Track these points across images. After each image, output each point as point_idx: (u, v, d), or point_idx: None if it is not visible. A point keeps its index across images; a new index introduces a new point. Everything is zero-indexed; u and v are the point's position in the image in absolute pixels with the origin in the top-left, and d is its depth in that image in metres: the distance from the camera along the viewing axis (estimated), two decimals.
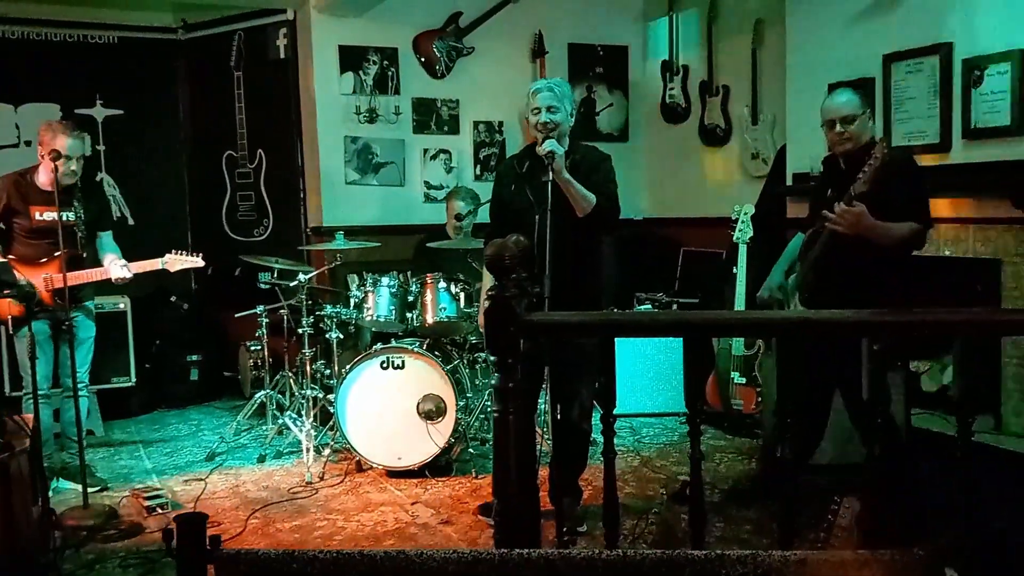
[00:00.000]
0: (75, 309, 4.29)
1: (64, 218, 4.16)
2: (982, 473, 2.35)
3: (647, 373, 5.65)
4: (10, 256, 4.18)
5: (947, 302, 4.34)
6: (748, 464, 4.66)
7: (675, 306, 6.04)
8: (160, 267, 4.36)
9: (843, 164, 3.65)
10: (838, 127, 3.58)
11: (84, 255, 4.24)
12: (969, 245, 4.43)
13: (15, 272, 4.08)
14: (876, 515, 2.14)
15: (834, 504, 2.10)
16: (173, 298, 6.42)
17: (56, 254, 4.11)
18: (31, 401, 4.18)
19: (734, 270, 5.31)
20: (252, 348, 5.99)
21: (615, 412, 5.80)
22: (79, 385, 4.35)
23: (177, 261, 4.38)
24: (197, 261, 4.43)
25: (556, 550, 1.86)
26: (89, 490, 3.98)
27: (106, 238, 4.42)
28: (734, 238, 5.27)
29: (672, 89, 6.61)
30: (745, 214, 5.24)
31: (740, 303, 5.26)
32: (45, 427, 4.23)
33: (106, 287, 4.53)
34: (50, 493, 3.78)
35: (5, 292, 3.57)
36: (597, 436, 5.15)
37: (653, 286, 6.30)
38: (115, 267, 4.25)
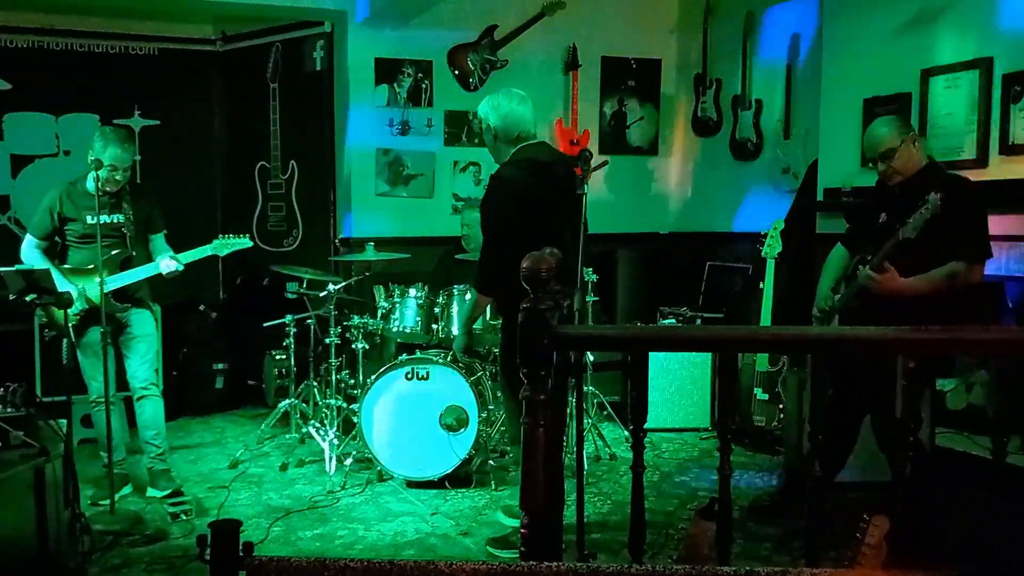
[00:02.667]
0: (132, 309, 4.33)
1: (113, 220, 4.24)
2: (1010, 495, 2.31)
3: (668, 387, 5.61)
4: (66, 266, 4.25)
5: (980, 321, 4.27)
6: (768, 481, 4.63)
7: (699, 321, 6.00)
8: (211, 252, 4.38)
9: (897, 189, 3.60)
10: (880, 165, 3.54)
11: (134, 254, 4.29)
12: (1003, 263, 4.36)
13: (68, 277, 4.18)
14: (907, 535, 2.10)
15: (862, 522, 2.07)
16: (201, 306, 6.47)
17: (112, 253, 4.18)
18: (96, 409, 4.27)
19: (761, 285, 5.28)
20: (277, 357, 6.02)
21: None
22: (144, 384, 4.36)
23: (226, 245, 4.41)
24: (245, 242, 4.46)
25: (584, 564, 1.85)
26: (157, 493, 4.33)
27: (158, 240, 4.45)
28: (763, 253, 5.23)
29: (704, 103, 6.60)
30: (775, 229, 5.20)
31: (766, 318, 5.22)
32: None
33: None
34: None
35: (44, 300, 3.60)
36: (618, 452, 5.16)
37: (677, 300, 6.27)
38: (164, 263, 4.27)
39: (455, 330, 4.69)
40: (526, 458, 2.25)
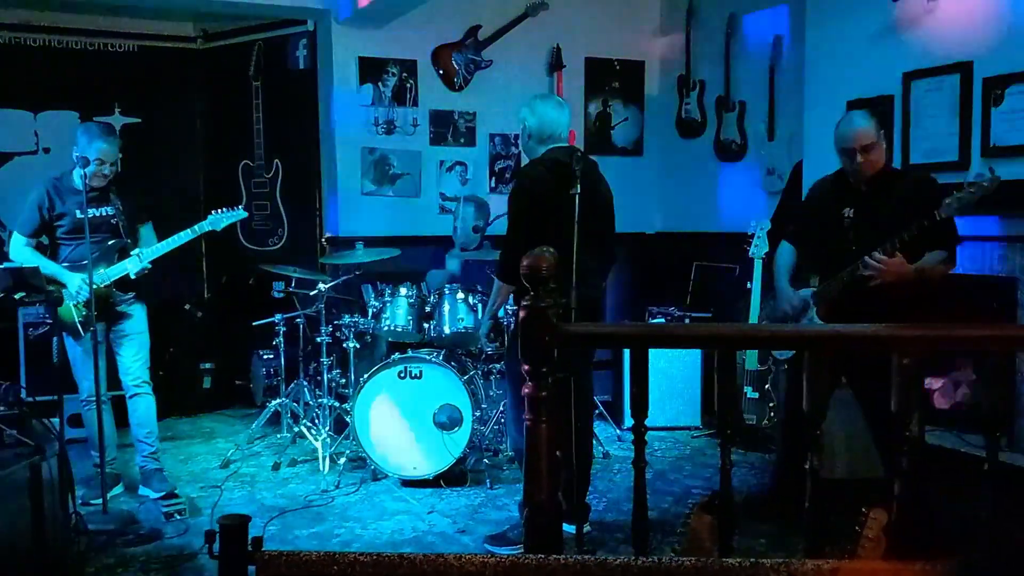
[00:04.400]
0: (132, 303, 4.33)
1: (102, 213, 4.22)
2: (995, 490, 2.37)
3: (660, 386, 5.66)
4: (64, 263, 4.22)
5: (962, 320, 4.34)
6: (760, 478, 4.68)
7: (687, 320, 6.06)
8: (208, 228, 4.33)
9: (864, 187, 3.68)
10: (858, 157, 3.62)
11: (129, 242, 4.28)
12: (986, 263, 4.44)
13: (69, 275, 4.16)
14: (906, 528, 2.15)
15: (861, 515, 2.12)
16: (187, 306, 6.44)
17: (109, 243, 4.18)
18: (87, 408, 4.26)
19: (748, 285, 5.34)
20: (265, 356, 6.01)
21: (629, 425, 5.85)
22: (137, 381, 4.37)
23: (221, 219, 4.36)
24: (240, 214, 4.42)
25: (592, 557, 1.88)
26: (155, 496, 4.30)
27: (145, 231, 4.44)
28: (750, 253, 5.29)
29: (688, 104, 6.65)
30: (762, 229, 5.26)
31: (754, 318, 5.28)
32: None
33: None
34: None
35: (32, 298, 3.58)
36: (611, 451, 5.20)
37: (665, 300, 6.32)
38: (131, 264, 4.25)
39: (447, 329, 4.72)
40: (528, 454, 2.27)
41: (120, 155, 4.29)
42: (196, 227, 4.31)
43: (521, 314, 2.20)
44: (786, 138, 5.87)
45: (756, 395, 5.29)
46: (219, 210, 4.40)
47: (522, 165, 3.97)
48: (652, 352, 5.53)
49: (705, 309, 6.15)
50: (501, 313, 4.56)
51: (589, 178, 3.74)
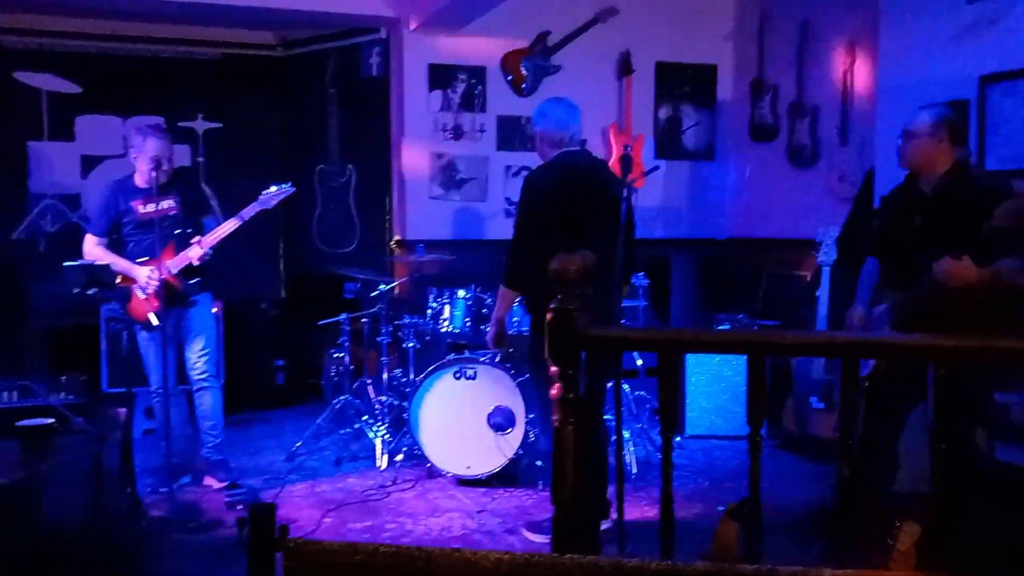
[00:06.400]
0: (198, 291, 4.49)
1: (164, 206, 4.36)
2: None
3: (723, 394, 5.59)
4: (139, 260, 4.42)
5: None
6: (823, 490, 4.58)
7: (755, 328, 5.97)
8: (258, 208, 4.43)
9: (926, 189, 3.59)
10: (900, 139, 3.61)
11: (191, 231, 4.44)
12: None
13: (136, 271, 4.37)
14: (936, 542, 2.10)
15: (894, 528, 2.08)
16: (263, 304, 6.66)
17: (175, 233, 4.35)
18: (157, 400, 4.46)
19: (817, 293, 5.23)
20: (335, 355, 6.17)
21: (690, 433, 5.77)
22: (203, 376, 4.54)
23: (271, 199, 4.46)
24: (287, 189, 4.50)
25: (607, 557, 1.89)
26: (218, 485, 4.52)
27: (208, 222, 4.58)
28: (818, 260, 5.19)
29: (761, 108, 6.56)
30: (831, 236, 5.16)
31: (821, 326, 5.17)
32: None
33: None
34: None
35: (104, 292, 3.78)
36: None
37: (735, 307, 6.24)
38: (192, 251, 4.38)
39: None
40: (556, 456, 2.30)
41: (173, 149, 4.51)
42: (247, 209, 4.42)
43: (548, 316, 2.23)
44: (858, 144, 5.74)
45: (822, 405, 5.17)
46: (267, 190, 4.50)
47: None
48: (717, 360, 5.55)
49: (775, 317, 6.04)
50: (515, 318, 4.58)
51: (597, 181, 3.70)
